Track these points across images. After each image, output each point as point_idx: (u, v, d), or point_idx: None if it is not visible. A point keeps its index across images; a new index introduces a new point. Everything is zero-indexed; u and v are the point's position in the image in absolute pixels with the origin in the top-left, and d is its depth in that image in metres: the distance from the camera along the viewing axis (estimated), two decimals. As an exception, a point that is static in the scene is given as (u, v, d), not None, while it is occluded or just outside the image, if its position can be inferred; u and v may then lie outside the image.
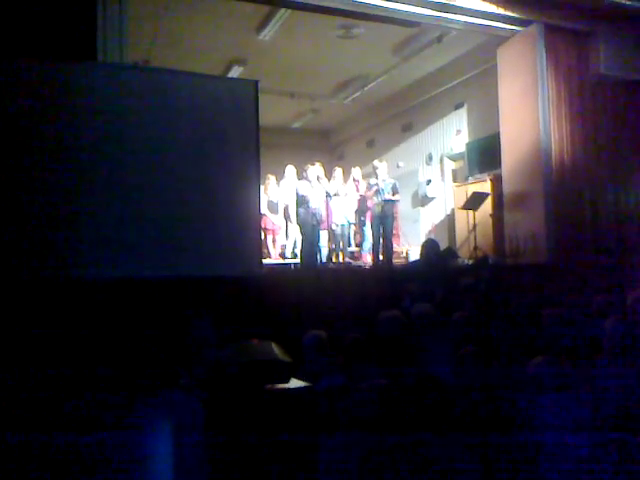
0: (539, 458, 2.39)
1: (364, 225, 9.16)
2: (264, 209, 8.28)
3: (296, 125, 13.15)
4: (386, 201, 7.54)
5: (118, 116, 4.84)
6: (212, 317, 4.06)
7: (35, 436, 2.30)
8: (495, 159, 8.10)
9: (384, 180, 7.71)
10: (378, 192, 7.60)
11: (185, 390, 2.31)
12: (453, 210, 9.48)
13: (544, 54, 7.35)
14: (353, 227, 9.51)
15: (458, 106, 10.03)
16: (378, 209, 7.61)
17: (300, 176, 8.18)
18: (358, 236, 9.58)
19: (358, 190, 9.22)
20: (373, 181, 7.79)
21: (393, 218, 7.76)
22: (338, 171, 9.29)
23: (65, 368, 3.15)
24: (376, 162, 8.04)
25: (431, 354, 3.64)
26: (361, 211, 9.17)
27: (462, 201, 8.16)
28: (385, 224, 7.62)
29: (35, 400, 2.51)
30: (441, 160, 10.48)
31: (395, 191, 7.71)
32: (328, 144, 14.47)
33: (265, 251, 8.43)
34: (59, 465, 2.26)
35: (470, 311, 4.03)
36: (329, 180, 8.69)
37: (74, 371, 3.11)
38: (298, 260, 7.96)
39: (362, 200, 9.11)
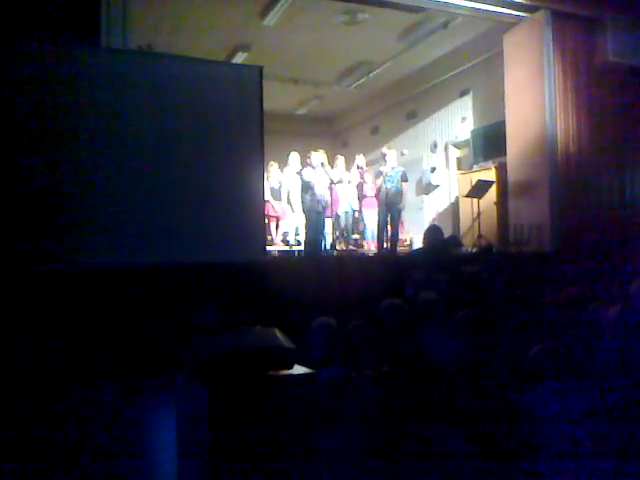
0: (539, 446, 2.41)
1: (362, 213, 9.20)
2: (267, 195, 8.27)
3: (300, 112, 13.09)
4: (393, 187, 7.48)
5: (121, 101, 4.82)
6: (216, 303, 4.09)
7: (42, 423, 2.32)
8: (500, 147, 8.06)
9: (393, 168, 7.65)
10: (386, 180, 7.53)
11: (188, 376, 2.32)
12: (457, 198, 9.45)
13: (551, 40, 7.28)
14: (357, 214, 9.51)
15: (463, 93, 9.96)
16: (385, 197, 7.56)
17: (304, 163, 8.16)
18: (361, 223, 9.58)
19: (362, 178, 9.21)
20: (382, 168, 7.74)
21: (402, 206, 7.72)
22: (340, 159, 9.28)
23: (70, 353, 3.17)
24: (385, 149, 7.97)
25: (434, 342, 3.66)
26: (360, 198, 9.20)
27: (466, 189, 8.13)
28: (393, 212, 7.58)
29: (40, 387, 2.53)
30: (446, 148, 10.43)
31: (404, 179, 7.66)
32: (332, 131, 14.41)
33: (268, 238, 8.44)
34: (64, 450, 2.28)
35: (473, 307, 4.02)
36: (332, 168, 8.66)
37: (79, 357, 3.13)
38: (302, 247, 7.96)
39: (359, 187, 9.12)
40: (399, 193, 7.59)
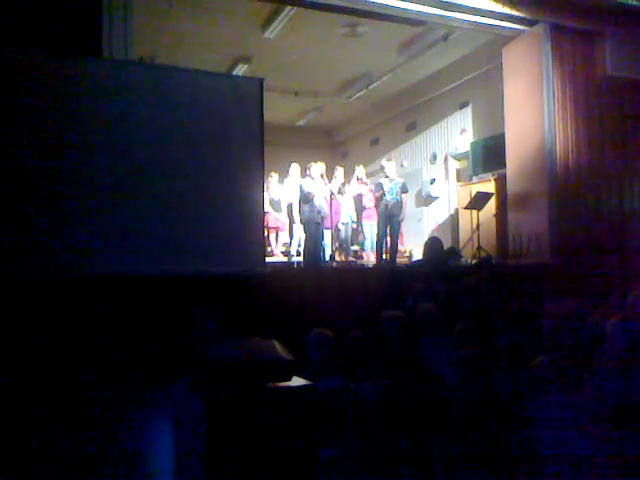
0: (541, 457, 2.39)
1: (362, 224, 9.21)
2: (267, 207, 8.28)
3: (300, 123, 13.15)
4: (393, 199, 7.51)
5: (122, 112, 4.83)
6: (214, 314, 4.08)
7: (39, 432, 2.30)
8: (499, 159, 8.09)
9: (393, 179, 7.68)
10: (385, 192, 7.55)
11: (186, 387, 2.31)
12: (457, 210, 9.46)
13: (550, 54, 7.33)
14: (355, 225, 9.53)
15: (463, 105, 10.01)
16: (384, 208, 7.56)
17: (303, 174, 8.18)
18: (361, 235, 9.60)
19: (359, 190, 9.24)
20: (382, 180, 7.75)
21: (401, 217, 7.73)
22: (340, 170, 9.30)
23: (67, 364, 3.16)
24: (384, 161, 8.00)
25: (434, 353, 3.65)
26: (359, 210, 9.22)
27: (466, 201, 8.14)
28: (392, 223, 7.59)
29: (38, 397, 2.52)
30: (445, 159, 10.47)
31: (404, 190, 7.68)
32: (332, 142, 14.46)
33: (268, 249, 8.43)
34: (61, 460, 2.27)
35: (472, 319, 4.01)
36: (330, 179, 8.68)
37: (76, 367, 3.12)
38: (301, 258, 7.95)
39: (358, 199, 9.14)
40: (398, 204, 7.61)
